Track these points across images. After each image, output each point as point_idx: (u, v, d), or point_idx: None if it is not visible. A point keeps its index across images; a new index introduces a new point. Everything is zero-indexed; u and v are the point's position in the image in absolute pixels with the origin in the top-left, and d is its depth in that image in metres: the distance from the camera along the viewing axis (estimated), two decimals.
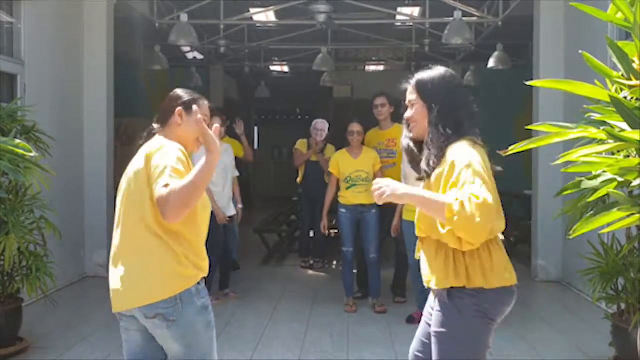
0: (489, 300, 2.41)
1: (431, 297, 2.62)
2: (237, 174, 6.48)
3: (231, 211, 6.16)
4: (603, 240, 4.49)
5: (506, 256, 2.47)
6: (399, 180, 4.66)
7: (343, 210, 5.92)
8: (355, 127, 5.90)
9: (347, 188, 5.88)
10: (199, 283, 2.56)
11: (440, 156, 2.49)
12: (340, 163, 5.95)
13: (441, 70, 2.69)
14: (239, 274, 7.22)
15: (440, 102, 2.57)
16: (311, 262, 8.16)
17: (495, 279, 2.40)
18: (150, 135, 2.69)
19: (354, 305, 5.99)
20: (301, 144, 7.96)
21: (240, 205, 6.51)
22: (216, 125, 2.39)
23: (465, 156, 2.39)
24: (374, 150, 6.04)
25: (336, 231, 9.06)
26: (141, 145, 2.66)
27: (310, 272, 7.98)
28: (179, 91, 2.79)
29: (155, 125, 2.71)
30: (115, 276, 2.62)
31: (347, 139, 6.01)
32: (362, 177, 5.84)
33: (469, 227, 2.21)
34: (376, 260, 5.90)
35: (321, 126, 7.78)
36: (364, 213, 5.83)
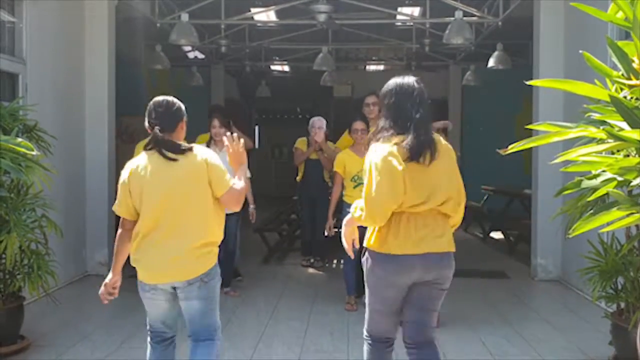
0: (377, 260, 3.17)
1: None
2: (248, 175, 6.48)
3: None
4: (603, 239, 4.50)
5: (406, 231, 3.09)
6: None
7: (349, 209, 5.89)
8: (359, 125, 5.89)
9: (355, 187, 5.87)
10: None
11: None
12: (347, 162, 5.92)
13: (394, 79, 3.29)
14: (240, 280, 7.21)
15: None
16: (312, 260, 8.18)
17: (381, 246, 3.14)
18: (160, 139, 3.23)
19: (355, 304, 6.00)
20: (301, 143, 7.96)
21: (252, 206, 6.61)
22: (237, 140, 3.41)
23: (369, 157, 3.14)
24: None
25: (337, 229, 9.07)
26: (150, 146, 3.26)
27: (311, 270, 7.99)
28: (177, 101, 3.43)
29: (160, 131, 3.25)
30: (173, 254, 3.16)
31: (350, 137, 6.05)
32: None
33: (364, 222, 3.21)
34: None
35: (318, 124, 7.67)
36: None
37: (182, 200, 3.18)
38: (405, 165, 3.03)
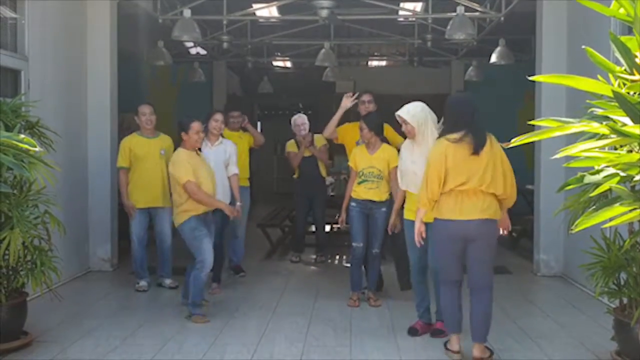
0: (438, 223, 4.45)
1: None
2: (235, 171, 6.39)
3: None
4: (605, 234, 4.49)
5: (453, 203, 4.32)
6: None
7: (353, 204, 5.91)
8: (362, 124, 5.89)
9: (359, 183, 5.87)
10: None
11: None
12: (357, 157, 5.93)
13: (455, 95, 4.83)
14: (243, 276, 7.24)
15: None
16: (314, 257, 8.16)
17: (439, 214, 4.42)
18: None
19: (358, 300, 5.99)
20: (291, 145, 8.01)
21: (238, 203, 6.24)
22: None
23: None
24: (391, 147, 5.96)
25: (339, 226, 9.06)
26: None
27: (313, 266, 7.98)
28: (180, 120, 5.65)
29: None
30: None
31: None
32: (374, 173, 5.79)
33: (423, 206, 4.50)
34: (377, 255, 5.93)
35: (300, 121, 7.82)
36: (374, 209, 5.83)
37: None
38: (453, 156, 4.26)
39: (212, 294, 6.33)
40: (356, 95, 6.51)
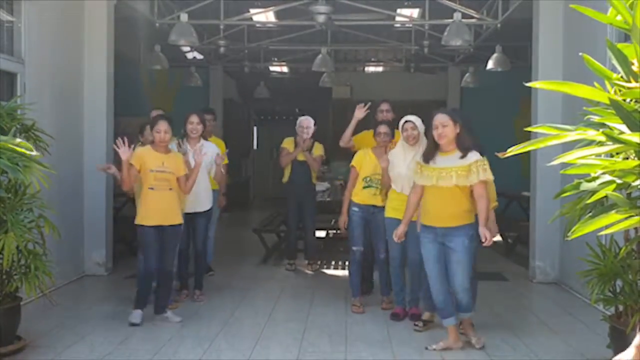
0: None
1: None
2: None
3: (201, 207, 6.19)
4: (601, 241, 4.50)
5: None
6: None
7: (355, 208, 5.90)
8: (383, 128, 5.86)
9: (364, 187, 5.86)
10: None
11: None
12: (364, 161, 5.90)
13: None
14: (212, 275, 7.31)
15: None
16: (306, 262, 8.09)
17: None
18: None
19: (362, 306, 5.95)
20: (288, 142, 7.75)
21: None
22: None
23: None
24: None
25: (334, 231, 9.03)
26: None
27: (308, 272, 7.96)
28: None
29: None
30: None
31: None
32: (380, 180, 5.78)
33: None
34: (385, 260, 5.89)
35: (307, 123, 7.57)
36: (375, 214, 5.82)
37: None
38: None
39: (196, 301, 6.26)
40: (368, 105, 6.48)
